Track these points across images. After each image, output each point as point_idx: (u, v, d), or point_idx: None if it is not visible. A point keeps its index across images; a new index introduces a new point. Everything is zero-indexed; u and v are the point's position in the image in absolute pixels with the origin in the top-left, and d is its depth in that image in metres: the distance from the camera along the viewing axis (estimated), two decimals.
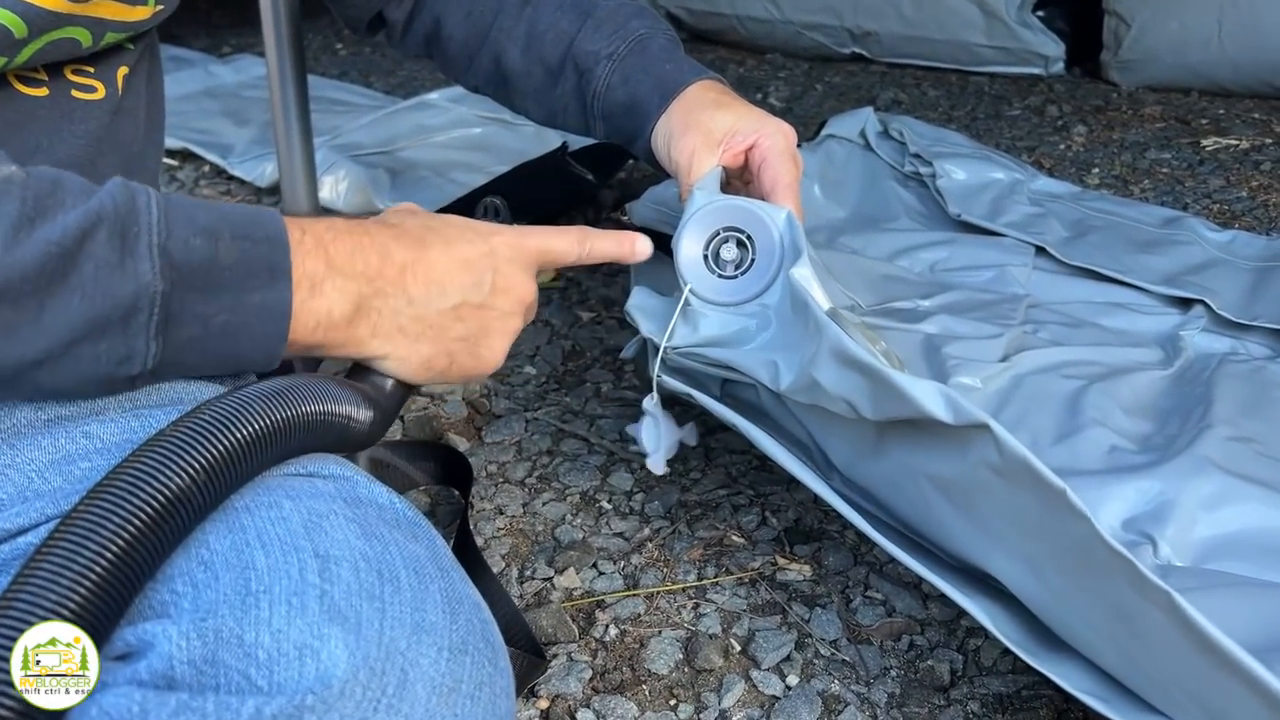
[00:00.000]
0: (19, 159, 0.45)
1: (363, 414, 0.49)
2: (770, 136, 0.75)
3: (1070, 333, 1.07)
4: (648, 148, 0.80)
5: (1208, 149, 1.84)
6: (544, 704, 0.68)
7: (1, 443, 0.51)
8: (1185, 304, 1.14)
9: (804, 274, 0.70)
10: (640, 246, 0.68)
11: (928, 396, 0.62)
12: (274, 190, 1.61)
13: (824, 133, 1.38)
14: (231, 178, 1.70)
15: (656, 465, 0.74)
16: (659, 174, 0.84)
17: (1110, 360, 1.01)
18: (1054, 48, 2.32)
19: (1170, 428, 0.90)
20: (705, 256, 0.72)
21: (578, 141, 1.51)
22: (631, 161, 1.60)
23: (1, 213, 0.39)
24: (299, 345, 0.49)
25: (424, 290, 0.53)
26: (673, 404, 0.76)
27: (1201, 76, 2.20)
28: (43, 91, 0.56)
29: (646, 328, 0.77)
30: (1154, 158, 1.81)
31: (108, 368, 0.43)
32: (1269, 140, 1.87)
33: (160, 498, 0.36)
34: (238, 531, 0.39)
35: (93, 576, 0.35)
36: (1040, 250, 1.23)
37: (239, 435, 0.40)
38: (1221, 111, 2.10)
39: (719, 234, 0.72)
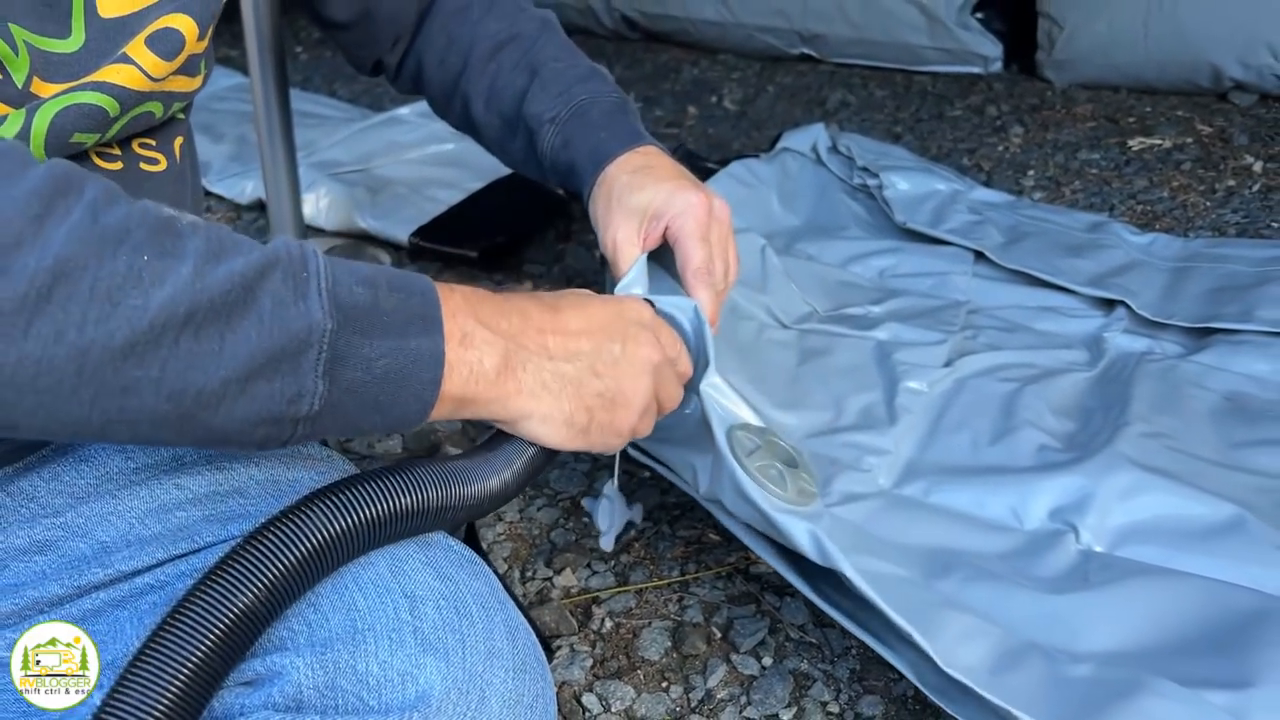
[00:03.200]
0: None
1: (493, 485, 0.53)
2: (680, 217, 0.73)
3: (1006, 337, 1.18)
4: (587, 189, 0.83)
5: (1134, 149, 1.97)
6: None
7: (103, 491, 0.59)
8: (1109, 305, 1.26)
9: (711, 384, 0.73)
10: None
11: (801, 538, 0.71)
12: (253, 207, 1.67)
13: (779, 146, 1.48)
14: (209, 194, 1.75)
15: (608, 543, 0.81)
16: None
17: (1042, 363, 1.12)
18: (992, 48, 2.44)
19: (1092, 426, 1.01)
20: None
21: None
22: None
23: (191, 247, 0.42)
24: (451, 398, 0.50)
25: (563, 347, 0.55)
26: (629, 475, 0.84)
27: (1130, 75, 2.33)
28: (117, 165, 0.63)
29: None
30: (1084, 158, 1.93)
31: (280, 406, 0.44)
32: (1189, 139, 2.01)
33: (295, 558, 0.44)
34: (337, 578, 0.47)
35: (237, 612, 0.42)
36: (979, 256, 1.34)
37: (377, 511, 0.46)
38: (1149, 110, 2.23)
39: None
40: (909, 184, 1.45)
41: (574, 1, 2.82)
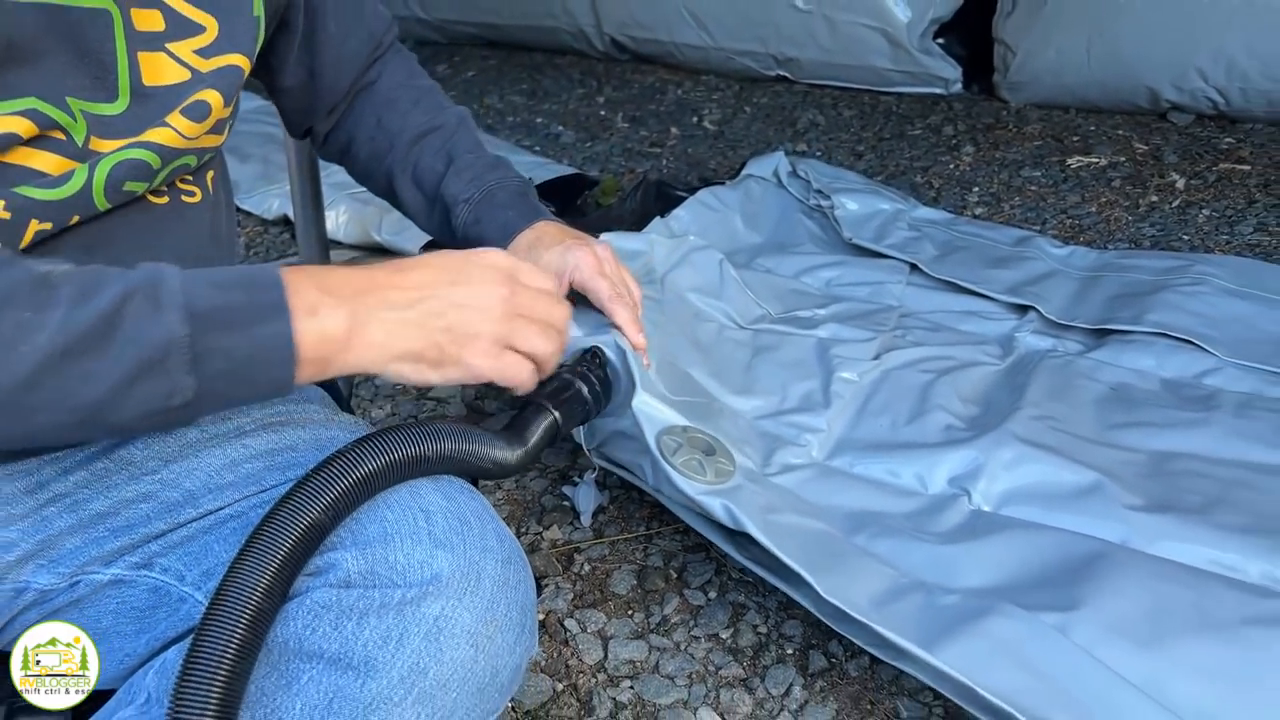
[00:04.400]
0: (153, 253, 0.68)
1: (504, 451, 0.71)
2: (578, 268, 0.86)
3: (930, 335, 1.38)
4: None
5: (1072, 167, 2.18)
6: (541, 617, 0.97)
7: (186, 454, 0.78)
8: (1024, 309, 1.46)
9: (642, 401, 0.91)
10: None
11: (717, 511, 0.90)
12: (279, 223, 1.87)
13: (744, 173, 1.68)
14: (239, 210, 1.95)
15: (585, 521, 1.01)
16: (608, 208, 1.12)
17: (958, 357, 1.32)
18: (952, 71, 2.64)
19: (992, 410, 1.21)
20: None
21: (541, 175, 1.79)
22: (587, 193, 1.89)
23: (62, 295, 0.55)
24: (309, 362, 0.59)
25: (403, 297, 0.64)
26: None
27: (1078, 96, 2.54)
28: (164, 200, 0.81)
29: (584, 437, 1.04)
30: (1026, 175, 2.14)
31: (159, 401, 0.55)
32: (1124, 158, 2.21)
33: (349, 484, 0.63)
34: (371, 501, 0.67)
35: (305, 525, 0.61)
36: (914, 267, 1.54)
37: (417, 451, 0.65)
38: (1093, 128, 2.44)
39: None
40: (857, 204, 1.66)
41: (567, 26, 3.02)
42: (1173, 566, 0.95)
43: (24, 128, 0.66)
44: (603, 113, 2.65)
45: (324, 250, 1.59)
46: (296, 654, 0.61)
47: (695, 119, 2.57)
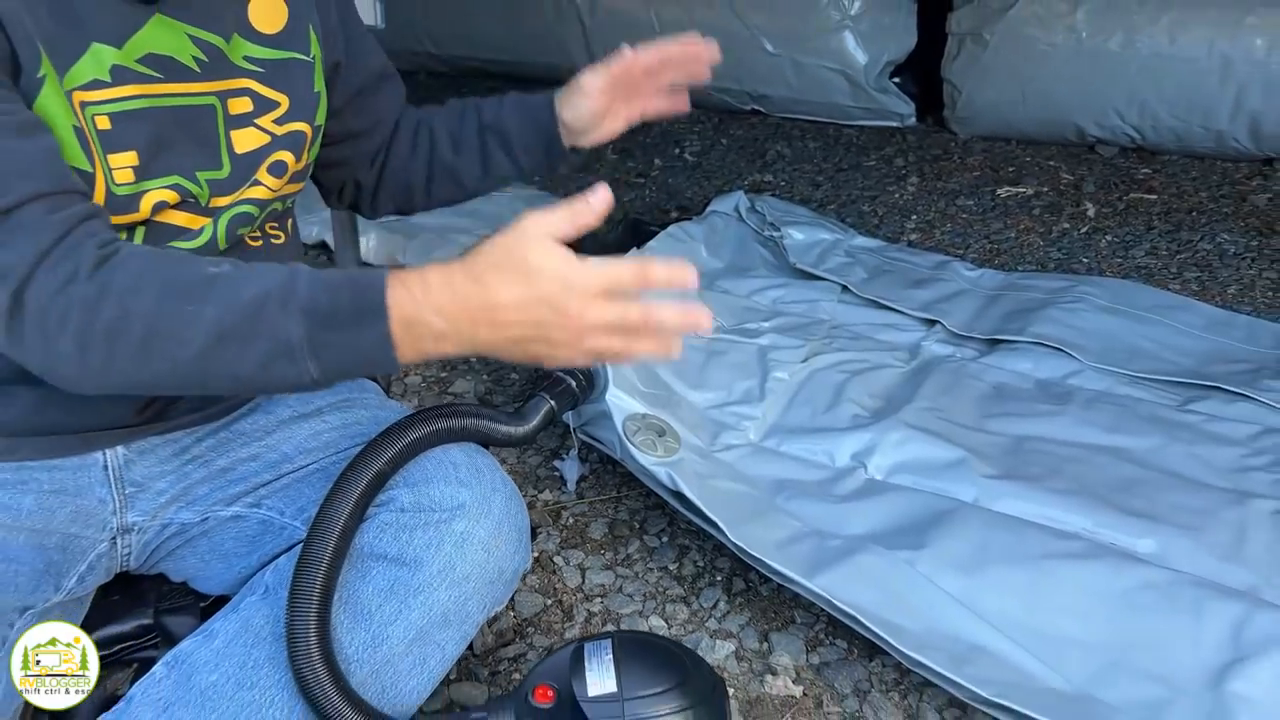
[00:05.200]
0: None
1: (511, 427, 1.01)
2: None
3: (852, 343, 1.71)
4: (553, 127, 1.12)
5: (1001, 196, 2.50)
6: (535, 555, 1.29)
7: (281, 427, 1.10)
8: (932, 323, 1.78)
9: (612, 394, 1.26)
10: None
11: (661, 477, 1.21)
12: (317, 247, 2.19)
13: (709, 209, 2.01)
14: None
15: (571, 488, 1.33)
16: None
17: (871, 360, 1.65)
18: (905, 107, 2.97)
19: (891, 403, 1.53)
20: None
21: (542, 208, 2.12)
22: None
23: (219, 292, 0.73)
24: (408, 358, 0.74)
25: (492, 333, 0.75)
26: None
27: (1015, 129, 2.87)
28: (259, 244, 1.12)
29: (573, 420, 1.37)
30: (960, 204, 2.46)
31: (294, 379, 0.73)
32: (1047, 188, 2.54)
33: (408, 441, 0.96)
34: (415, 459, 0.99)
35: (375, 472, 0.94)
36: (845, 288, 1.87)
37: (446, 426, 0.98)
38: (1029, 159, 2.76)
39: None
40: (803, 234, 1.99)
41: (562, 61, 3.35)
42: (1004, 518, 1.27)
43: (171, 197, 0.96)
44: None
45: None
46: (369, 556, 0.93)
47: (677, 150, 2.90)
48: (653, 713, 0.86)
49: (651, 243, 1.83)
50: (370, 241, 2.05)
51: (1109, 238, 2.25)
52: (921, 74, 3.03)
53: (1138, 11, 2.53)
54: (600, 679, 0.88)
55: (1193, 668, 1.05)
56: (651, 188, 2.64)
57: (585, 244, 1.30)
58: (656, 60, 1.05)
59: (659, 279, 0.76)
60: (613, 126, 1.12)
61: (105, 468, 1.01)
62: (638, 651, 0.91)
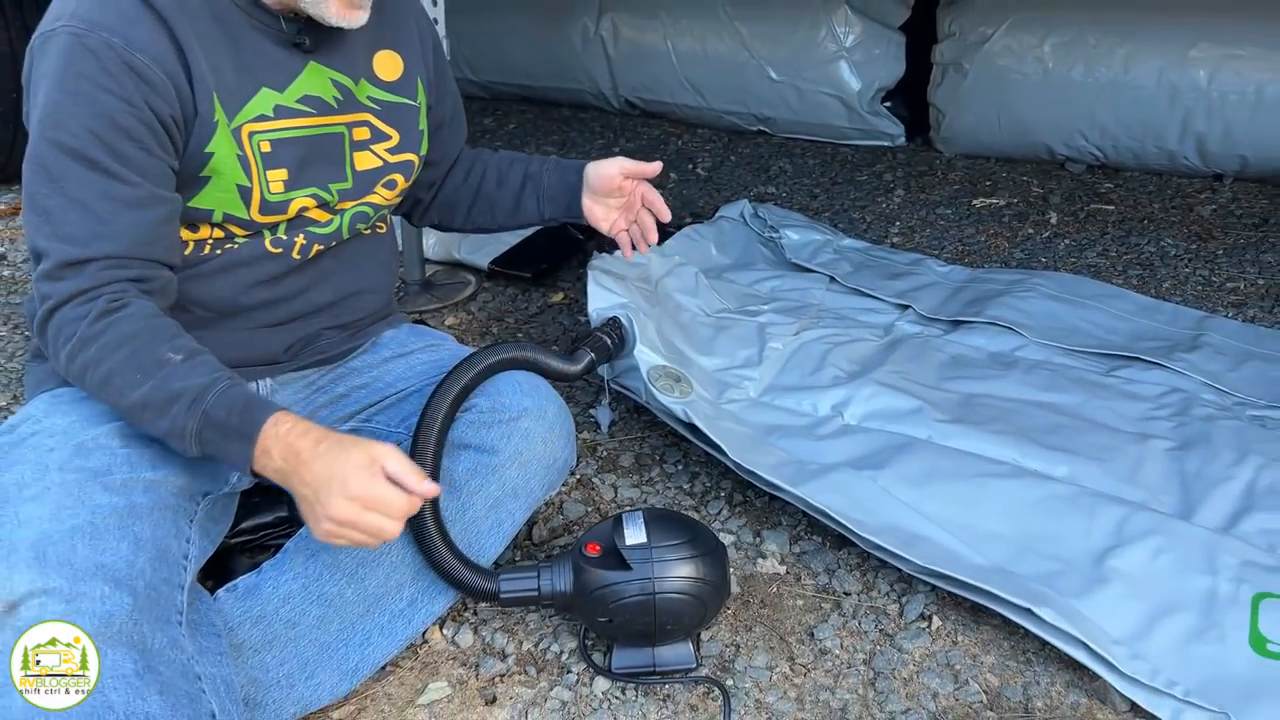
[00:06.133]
0: (365, 260, 1.37)
1: (562, 365, 1.37)
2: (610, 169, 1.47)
3: (836, 322, 2.04)
4: (578, 187, 1.50)
5: (976, 206, 2.84)
6: (576, 477, 1.62)
7: (384, 365, 1.43)
8: (905, 308, 2.12)
9: (639, 349, 1.59)
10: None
11: (678, 412, 1.54)
12: None
13: (718, 215, 2.36)
14: None
15: (604, 430, 1.66)
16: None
17: (852, 335, 1.98)
18: (895, 129, 3.32)
19: (865, 367, 1.87)
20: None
21: None
22: None
23: (160, 374, 1.02)
24: (257, 468, 1.02)
25: (302, 485, 1.01)
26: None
27: (993, 149, 3.21)
28: (369, 232, 1.48)
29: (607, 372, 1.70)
30: (940, 213, 2.80)
31: (179, 448, 1.03)
32: (1017, 200, 2.87)
33: (483, 369, 1.29)
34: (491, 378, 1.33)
35: (460, 388, 1.27)
36: (833, 279, 2.21)
37: (515, 356, 1.32)
38: (1004, 175, 3.10)
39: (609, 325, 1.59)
40: (798, 235, 2.33)
41: (590, 88, 3.72)
42: (949, 450, 1.60)
43: (310, 203, 1.30)
44: None
45: (422, 265, 2.27)
46: (458, 445, 1.27)
47: (691, 166, 3.26)
48: (673, 556, 1.19)
49: (669, 241, 2.17)
50: (430, 239, 2.40)
51: (1067, 241, 2.59)
52: (910, 99, 3.37)
53: (1095, 46, 2.87)
54: (635, 534, 1.21)
55: (1083, 551, 1.37)
56: (669, 198, 2.95)
57: (610, 243, 1.65)
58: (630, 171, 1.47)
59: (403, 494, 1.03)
60: (611, 221, 1.53)
61: (258, 393, 1.35)
62: (662, 517, 1.25)
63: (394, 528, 1.01)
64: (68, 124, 1.05)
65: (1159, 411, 1.74)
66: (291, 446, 1.02)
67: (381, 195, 1.35)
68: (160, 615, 1.00)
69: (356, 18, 1.18)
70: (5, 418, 1.77)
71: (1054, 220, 2.73)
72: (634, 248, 1.57)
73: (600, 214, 1.54)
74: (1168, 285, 2.32)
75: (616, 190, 1.51)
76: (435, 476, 1.20)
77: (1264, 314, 2.16)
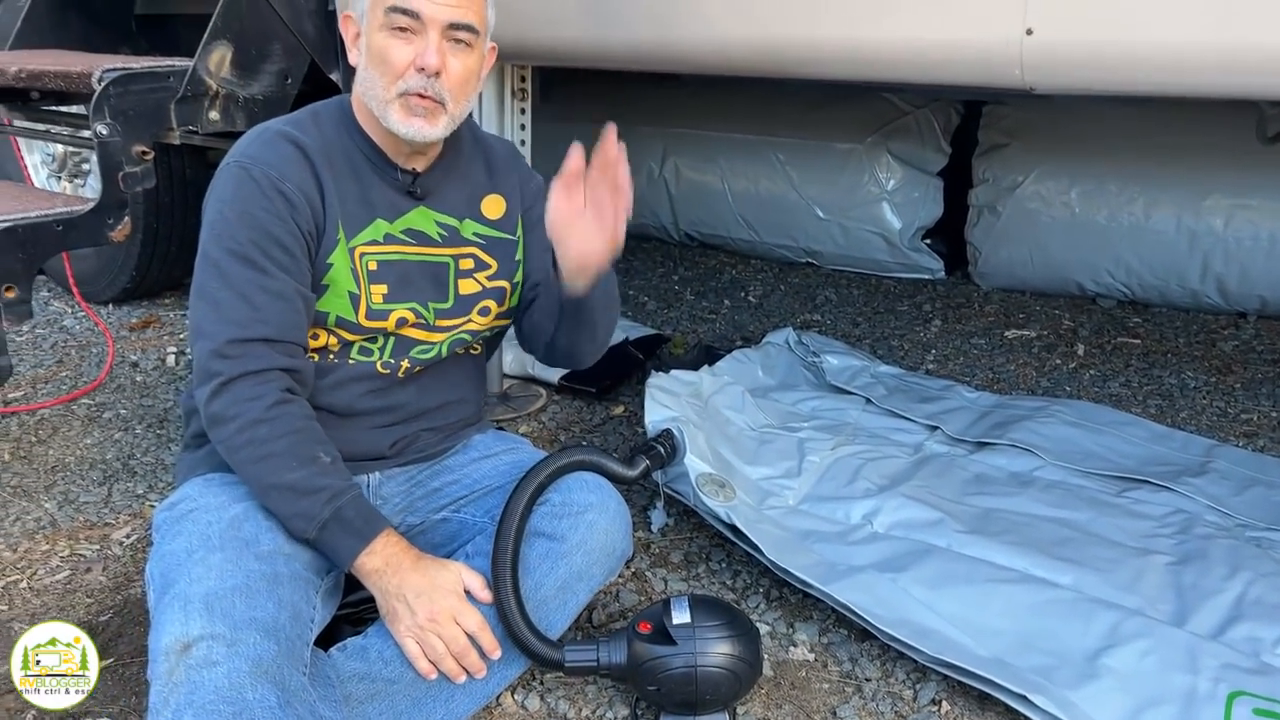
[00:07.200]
0: (457, 377, 1.63)
1: (622, 470, 1.61)
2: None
3: (870, 440, 2.26)
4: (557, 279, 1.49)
5: (1008, 337, 3.06)
6: (631, 570, 1.83)
7: (471, 465, 1.68)
8: (934, 429, 2.33)
9: (689, 459, 1.83)
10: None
11: (721, 515, 1.78)
12: None
13: (765, 340, 2.62)
14: None
15: (657, 530, 1.89)
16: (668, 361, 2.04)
17: (884, 451, 2.20)
18: (935, 264, 3.58)
19: (894, 482, 2.07)
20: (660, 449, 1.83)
21: (632, 334, 2.74)
22: (663, 346, 2.83)
23: (309, 470, 1.31)
24: (358, 565, 1.30)
25: (395, 592, 1.31)
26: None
27: (1027, 284, 3.44)
28: (464, 354, 1.75)
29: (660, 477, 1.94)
30: (973, 343, 3.02)
31: (299, 530, 1.29)
32: (1046, 331, 3.09)
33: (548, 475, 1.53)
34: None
35: (536, 487, 1.51)
36: (869, 401, 2.43)
37: (581, 460, 1.56)
38: (1038, 308, 3.32)
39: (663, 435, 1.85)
40: (838, 360, 2.57)
41: (652, 221, 4.06)
42: (964, 557, 1.79)
43: (409, 316, 1.57)
44: (676, 287, 3.64)
45: (500, 379, 2.55)
46: (534, 533, 1.49)
47: (743, 293, 3.54)
48: (713, 635, 1.40)
49: (720, 362, 2.42)
50: (505, 356, 2.69)
51: (1092, 372, 2.78)
52: (950, 236, 3.64)
53: (1118, 194, 3.12)
54: (680, 615, 1.42)
55: (1078, 649, 1.54)
56: (721, 322, 3.26)
57: (666, 361, 1.90)
58: (596, 162, 1.34)
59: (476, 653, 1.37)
60: (586, 238, 1.39)
61: (367, 486, 1.60)
62: (704, 601, 1.46)
63: (474, 658, 1.36)
64: (234, 233, 1.36)
65: (1163, 530, 1.91)
66: (396, 556, 1.33)
67: (477, 321, 1.61)
68: (294, 663, 1.23)
69: (418, 127, 1.40)
70: (146, 504, 2.06)
71: (1081, 352, 2.93)
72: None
73: (580, 250, 1.46)
74: (1184, 415, 2.50)
75: (569, 220, 1.41)
76: (515, 560, 1.43)
77: (1274, 444, 2.32)
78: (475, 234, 1.58)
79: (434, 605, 1.32)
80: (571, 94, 3.72)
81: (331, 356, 1.49)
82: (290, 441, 1.32)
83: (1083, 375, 2.77)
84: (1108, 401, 2.57)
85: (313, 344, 1.47)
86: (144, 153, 1.93)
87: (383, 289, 1.48)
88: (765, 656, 1.54)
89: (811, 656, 1.61)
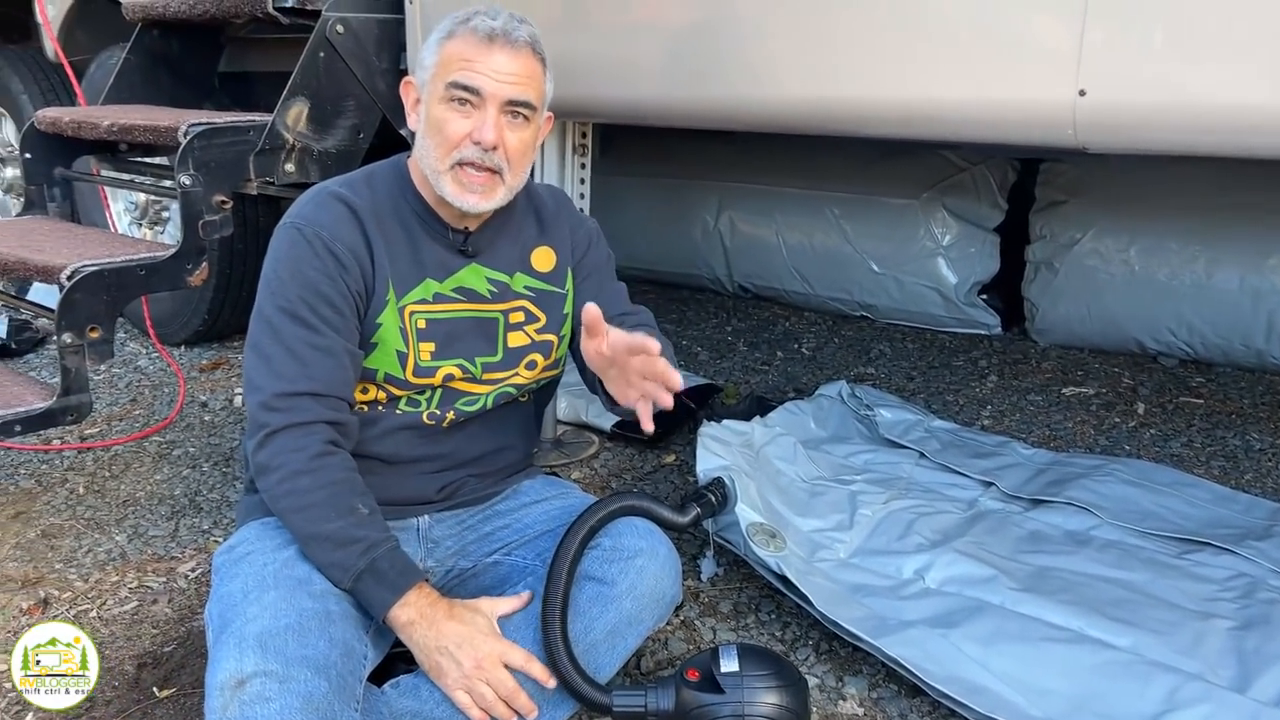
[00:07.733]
0: (506, 426, 1.66)
1: (673, 516, 1.64)
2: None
3: (924, 494, 2.25)
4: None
5: (1065, 394, 3.02)
6: (680, 619, 1.84)
7: (523, 510, 1.71)
8: (989, 485, 2.31)
9: (739, 508, 1.84)
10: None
11: (772, 565, 1.78)
12: None
13: (818, 392, 2.63)
14: None
15: (706, 579, 1.90)
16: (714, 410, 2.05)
17: (937, 506, 2.18)
18: (991, 319, 3.56)
19: (948, 538, 2.06)
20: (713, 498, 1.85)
21: (685, 383, 2.77)
22: (715, 396, 2.85)
23: (347, 520, 1.34)
24: (391, 616, 1.32)
25: (429, 639, 1.33)
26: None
27: (1085, 340, 3.40)
28: (510, 405, 1.77)
29: (711, 526, 1.96)
30: (1030, 399, 2.99)
31: (336, 579, 1.31)
32: (1105, 389, 3.05)
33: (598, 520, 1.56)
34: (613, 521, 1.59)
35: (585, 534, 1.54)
36: (922, 455, 2.42)
37: (627, 506, 1.59)
38: (1096, 365, 3.28)
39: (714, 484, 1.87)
40: (891, 414, 2.57)
41: (707, 274, 4.11)
42: (1018, 615, 1.77)
43: (456, 372, 1.62)
44: (729, 338, 3.67)
45: (554, 425, 2.59)
46: (583, 577, 1.51)
47: (796, 346, 3.55)
48: (761, 684, 1.40)
49: (772, 414, 2.44)
50: (560, 402, 2.73)
51: (1152, 431, 2.74)
52: (1006, 292, 3.62)
53: (1178, 252, 3.09)
54: (729, 663, 1.43)
55: (1134, 712, 1.51)
56: (774, 374, 3.27)
57: (718, 411, 1.93)
58: (621, 346, 1.29)
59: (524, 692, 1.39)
60: (625, 393, 1.39)
61: (417, 530, 1.64)
62: (753, 650, 1.46)
63: (523, 699, 1.38)
64: (286, 291, 1.42)
65: (1225, 593, 1.87)
66: (429, 608, 1.36)
67: (523, 375, 1.64)
68: (346, 700, 1.26)
69: (473, 202, 1.45)
70: (210, 539, 2.13)
71: (1141, 410, 2.88)
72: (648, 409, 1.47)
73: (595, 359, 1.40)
74: (1249, 477, 2.44)
75: (598, 341, 1.34)
76: (565, 604, 1.45)
77: None
78: (526, 287, 1.62)
79: (478, 652, 1.34)
80: (629, 146, 3.81)
81: (380, 407, 1.54)
82: (330, 493, 1.36)
83: (1143, 434, 2.73)
84: (1168, 461, 2.53)
85: (361, 397, 1.52)
86: (223, 202, 2.03)
87: (430, 346, 1.53)
88: (814, 709, 1.54)
89: (861, 711, 1.60)
